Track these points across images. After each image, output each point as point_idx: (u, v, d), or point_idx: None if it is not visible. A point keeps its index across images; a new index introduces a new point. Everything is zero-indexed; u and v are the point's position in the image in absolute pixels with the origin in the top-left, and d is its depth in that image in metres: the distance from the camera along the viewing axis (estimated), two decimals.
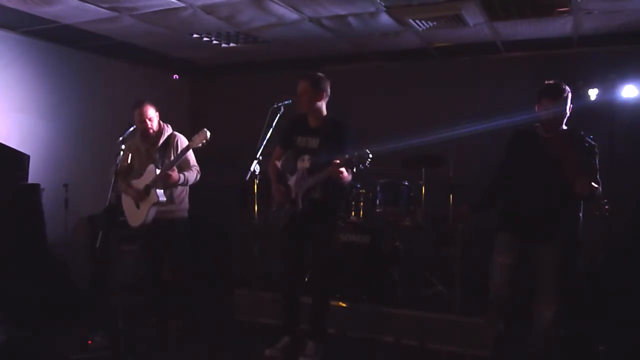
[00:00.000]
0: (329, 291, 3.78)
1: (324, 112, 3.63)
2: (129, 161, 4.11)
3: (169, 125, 4.19)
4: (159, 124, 4.12)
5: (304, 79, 3.57)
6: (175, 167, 3.91)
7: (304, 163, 3.60)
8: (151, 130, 4.03)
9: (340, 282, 4.71)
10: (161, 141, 4.09)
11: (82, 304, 4.88)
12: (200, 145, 3.77)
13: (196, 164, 4.12)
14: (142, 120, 3.98)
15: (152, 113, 4.03)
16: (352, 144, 3.50)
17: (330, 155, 3.44)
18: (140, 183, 4.00)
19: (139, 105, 4.01)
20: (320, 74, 3.62)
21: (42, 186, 4.70)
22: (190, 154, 4.05)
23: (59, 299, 4.65)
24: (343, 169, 3.32)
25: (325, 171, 3.42)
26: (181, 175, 3.93)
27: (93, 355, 3.67)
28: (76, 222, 5.42)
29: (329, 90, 3.62)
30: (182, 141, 4.12)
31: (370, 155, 3.21)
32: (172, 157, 4.01)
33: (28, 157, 4.66)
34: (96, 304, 4.99)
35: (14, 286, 4.32)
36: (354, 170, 3.31)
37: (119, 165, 3.72)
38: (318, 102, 3.58)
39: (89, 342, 3.77)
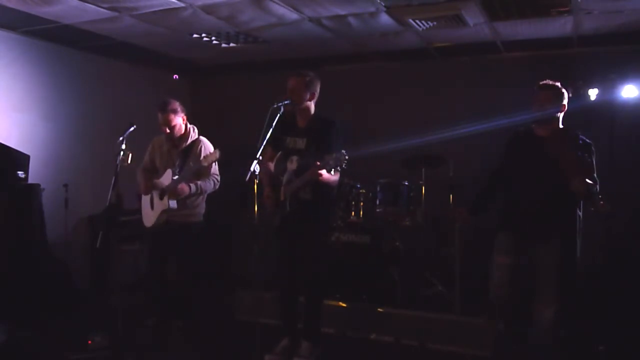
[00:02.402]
0: (320, 291, 3.77)
1: (312, 111, 3.62)
2: (152, 159, 4.12)
3: (196, 130, 4.12)
4: (185, 126, 4.05)
5: (298, 75, 3.54)
6: (183, 181, 3.82)
7: (292, 164, 3.57)
8: (172, 134, 3.97)
9: (340, 282, 4.71)
10: (184, 145, 4.03)
11: (82, 304, 4.88)
12: (210, 165, 3.75)
13: (217, 173, 4.03)
14: (163, 124, 3.93)
15: (175, 120, 3.93)
16: (341, 141, 3.49)
17: (317, 155, 3.44)
18: (162, 183, 3.99)
19: (162, 109, 3.92)
20: (312, 73, 3.59)
21: (42, 186, 4.70)
22: None
23: (59, 299, 4.65)
24: (323, 171, 3.32)
25: (306, 173, 3.41)
26: (192, 186, 3.86)
27: (93, 355, 3.67)
28: (76, 222, 5.43)
29: (318, 90, 3.60)
30: (207, 148, 4.02)
31: (347, 157, 3.17)
32: (192, 164, 3.92)
33: (28, 157, 4.66)
34: (96, 304, 5.00)
35: (14, 286, 4.32)
36: (332, 172, 3.29)
37: (119, 165, 3.71)
38: (308, 102, 3.57)
39: (89, 342, 3.77)
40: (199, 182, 3.91)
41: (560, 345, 3.50)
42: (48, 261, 4.71)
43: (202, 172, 3.95)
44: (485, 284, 3.47)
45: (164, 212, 3.90)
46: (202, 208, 4.13)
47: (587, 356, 3.76)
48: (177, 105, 3.98)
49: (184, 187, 3.82)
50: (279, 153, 3.68)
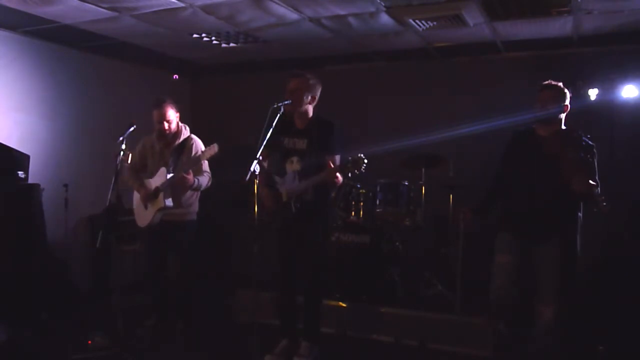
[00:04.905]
0: (320, 292, 3.76)
1: (311, 113, 3.60)
2: (142, 158, 4.13)
3: (187, 127, 4.15)
4: (177, 125, 4.08)
5: (300, 77, 3.52)
6: (190, 171, 3.85)
7: (293, 165, 3.55)
8: (168, 132, 4.00)
9: (340, 282, 4.71)
10: (177, 143, 4.06)
11: (82, 304, 4.88)
12: (208, 159, 3.76)
13: (208, 170, 4.07)
14: (160, 121, 3.95)
15: (171, 115, 3.98)
16: (340, 142, 3.51)
17: (319, 157, 3.43)
18: (151, 183, 3.99)
19: (158, 106, 3.96)
20: (315, 76, 3.58)
21: (42, 186, 4.69)
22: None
23: (59, 299, 4.65)
24: (338, 174, 3.32)
25: (320, 175, 3.40)
26: (195, 180, 3.89)
27: (93, 355, 3.67)
28: (76, 222, 5.42)
29: (319, 94, 3.58)
30: (198, 145, 4.07)
31: (366, 161, 3.20)
32: (185, 159, 3.96)
33: (28, 157, 4.65)
34: (96, 304, 5.00)
35: (14, 286, 4.32)
36: (349, 175, 3.32)
37: (119, 165, 3.72)
38: (308, 104, 3.55)
39: (89, 342, 3.77)
40: (198, 177, 3.93)
41: (560, 345, 3.50)
42: (48, 261, 4.71)
43: (195, 170, 3.97)
44: (485, 284, 3.47)
45: (159, 210, 3.90)
46: (195, 206, 4.17)
47: (587, 356, 3.76)
48: (172, 101, 4.03)
49: (189, 177, 3.78)
50: (273, 154, 3.65)
